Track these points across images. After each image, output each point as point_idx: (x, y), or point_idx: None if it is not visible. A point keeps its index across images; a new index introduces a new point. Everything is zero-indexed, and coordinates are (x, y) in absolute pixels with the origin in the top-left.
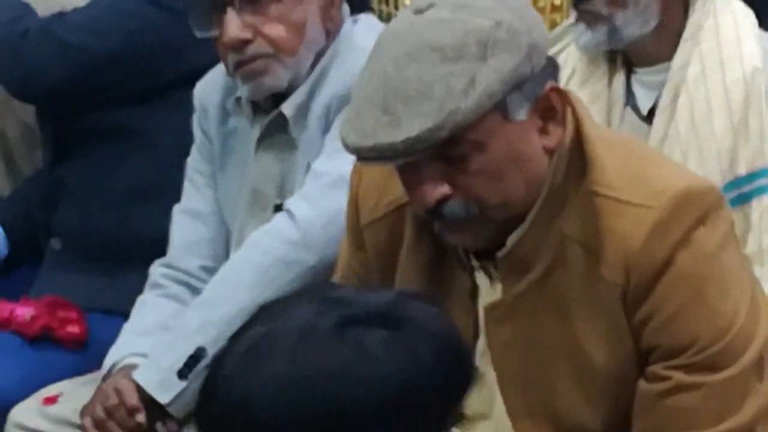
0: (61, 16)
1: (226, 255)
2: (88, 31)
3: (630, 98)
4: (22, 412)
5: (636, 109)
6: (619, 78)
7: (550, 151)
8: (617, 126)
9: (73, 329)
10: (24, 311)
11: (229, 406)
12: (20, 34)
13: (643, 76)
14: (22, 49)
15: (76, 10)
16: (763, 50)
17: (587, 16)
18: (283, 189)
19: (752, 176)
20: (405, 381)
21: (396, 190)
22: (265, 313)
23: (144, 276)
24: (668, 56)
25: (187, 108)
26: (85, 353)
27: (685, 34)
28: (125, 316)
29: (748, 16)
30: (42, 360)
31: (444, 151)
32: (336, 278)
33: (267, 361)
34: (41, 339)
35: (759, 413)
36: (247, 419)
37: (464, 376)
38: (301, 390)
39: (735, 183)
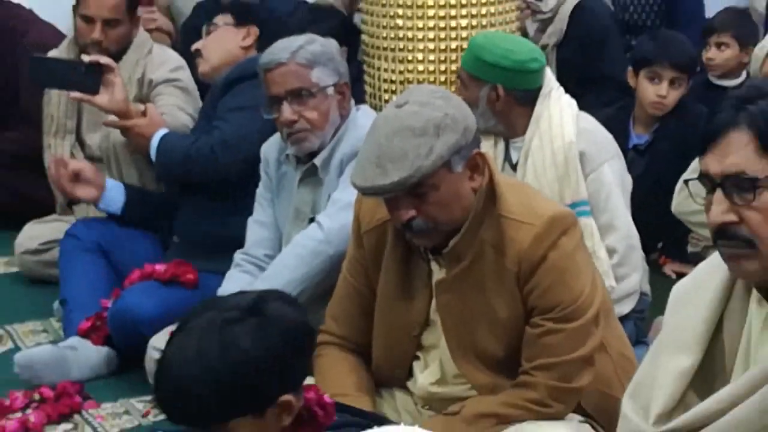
0: (216, 129)
1: (280, 248)
2: (245, 140)
3: (507, 156)
4: (158, 340)
5: (511, 163)
6: (501, 143)
7: (475, 190)
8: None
9: (191, 276)
10: (161, 267)
11: (164, 376)
12: (209, 150)
13: (513, 144)
14: (216, 160)
15: (224, 120)
16: (578, 128)
17: None
18: (315, 209)
19: (573, 205)
20: (260, 358)
21: (382, 212)
22: (189, 317)
23: (230, 257)
24: (525, 132)
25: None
26: (198, 292)
27: (532, 119)
28: (220, 274)
29: (570, 105)
30: (171, 295)
31: (413, 190)
32: (345, 264)
33: (185, 348)
34: (171, 282)
35: (595, 347)
36: (173, 383)
37: (301, 349)
38: (201, 366)
39: None
